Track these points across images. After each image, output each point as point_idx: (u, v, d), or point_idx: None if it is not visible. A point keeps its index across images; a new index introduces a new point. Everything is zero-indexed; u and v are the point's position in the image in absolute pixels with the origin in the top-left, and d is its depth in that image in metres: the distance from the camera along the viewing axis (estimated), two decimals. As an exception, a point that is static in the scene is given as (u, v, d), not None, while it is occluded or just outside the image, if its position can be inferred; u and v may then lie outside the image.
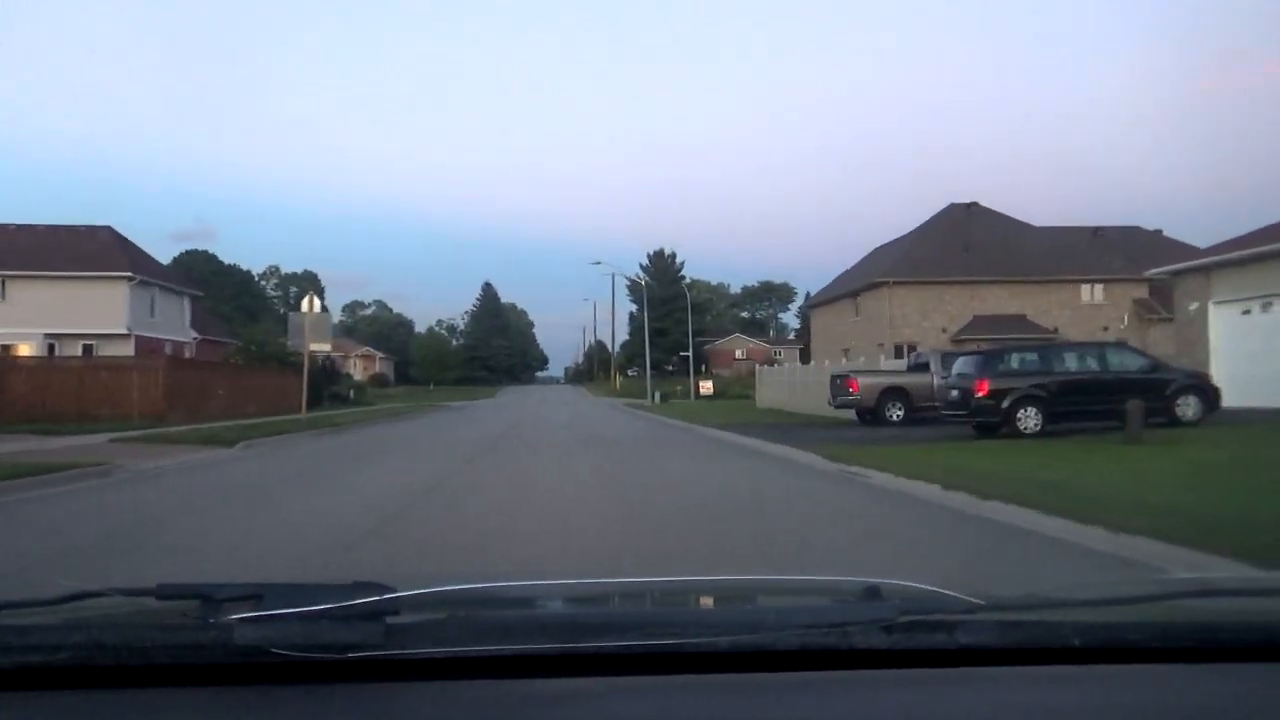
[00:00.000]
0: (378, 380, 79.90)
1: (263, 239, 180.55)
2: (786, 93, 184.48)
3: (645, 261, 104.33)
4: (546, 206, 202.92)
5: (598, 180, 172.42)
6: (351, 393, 63.02)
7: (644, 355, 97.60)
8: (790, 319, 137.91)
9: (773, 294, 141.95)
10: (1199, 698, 1.12)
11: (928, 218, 44.57)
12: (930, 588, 1.39)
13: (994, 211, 43.76)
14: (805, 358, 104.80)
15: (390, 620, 1.05)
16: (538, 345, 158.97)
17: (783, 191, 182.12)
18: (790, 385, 32.64)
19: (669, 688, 1.09)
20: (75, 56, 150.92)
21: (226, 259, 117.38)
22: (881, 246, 48.21)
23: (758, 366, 43.38)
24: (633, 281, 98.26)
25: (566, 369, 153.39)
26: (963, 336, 37.88)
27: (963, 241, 40.55)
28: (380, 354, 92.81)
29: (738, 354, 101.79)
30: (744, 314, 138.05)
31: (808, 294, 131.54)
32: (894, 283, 38.79)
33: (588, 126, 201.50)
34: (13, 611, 1.19)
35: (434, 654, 1.06)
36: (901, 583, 1.42)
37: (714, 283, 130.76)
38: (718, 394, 58.84)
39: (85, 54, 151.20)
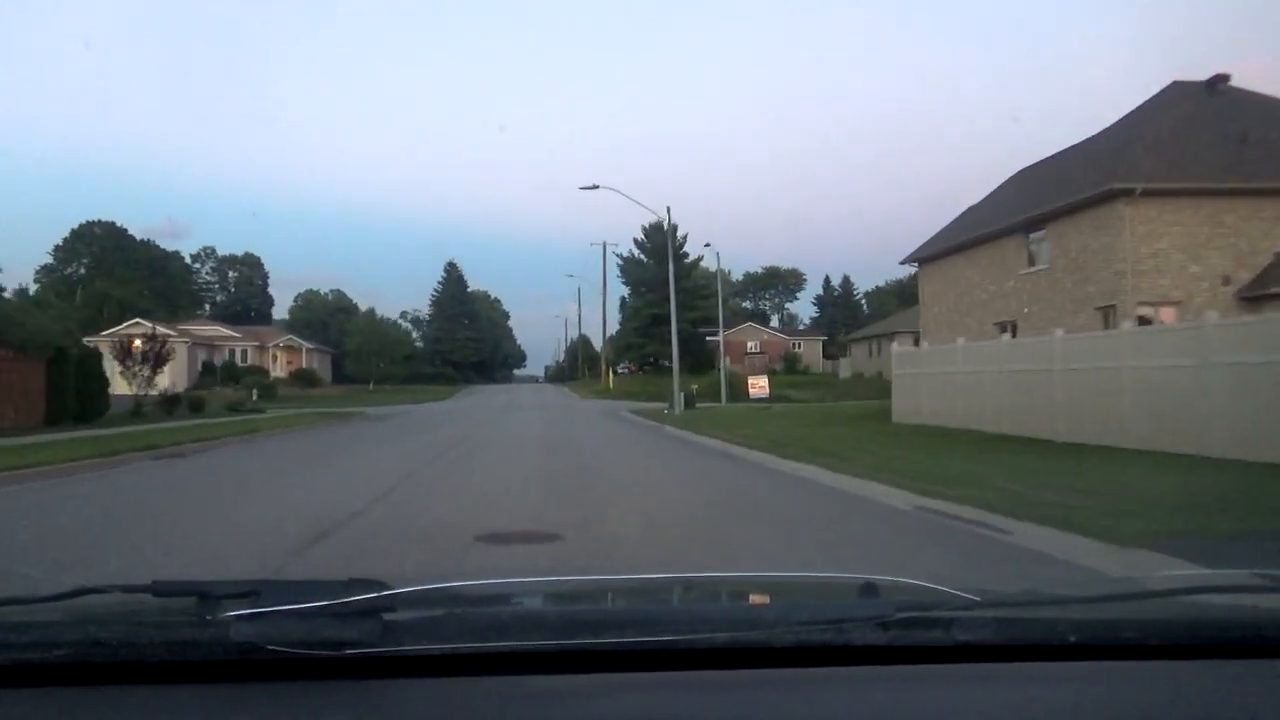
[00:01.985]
0: (303, 378, 61.78)
1: (234, 234, 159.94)
2: (788, 60, 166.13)
3: (640, 236, 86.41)
4: (529, 202, 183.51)
5: (582, 165, 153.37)
6: (255, 395, 46.11)
7: (643, 346, 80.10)
8: (803, 308, 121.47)
9: (779, 281, 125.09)
10: (1195, 694, 1.11)
11: (1142, 102, 27.20)
12: (927, 584, 1.38)
13: (1253, 93, 26.53)
14: (834, 351, 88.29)
15: (387, 617, 1.03)
16: (514, 340, 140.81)
17: (787, 170, 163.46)
18: (1039, 382, 15.12)
19: (667, 684, 1.07)
20: (43, 45, 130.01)
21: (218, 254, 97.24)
22: (1033, 166, 30.86)
23: (894, 347, 25.82)
24: (625, 260, 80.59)
25: (547, 367, 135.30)
26: (1265, 292, 20.65)
27: (1236, 130, 23.22)
28: (309, 345, 72.08)
29: (750, 346, 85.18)
30: (745, 304, 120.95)
31: (826, 278, 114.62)
32: (1143, 192, 21.30)
33: (572, 110, 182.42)
34: (10, 608, 1.16)
35: (431, 651, 1.04)
36: (898, 579, 1.41)
37: (711, 268, 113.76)
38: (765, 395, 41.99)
39: (54, 42, 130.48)
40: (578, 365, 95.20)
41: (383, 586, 1.06)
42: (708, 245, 74.85)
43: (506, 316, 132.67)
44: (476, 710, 1.01)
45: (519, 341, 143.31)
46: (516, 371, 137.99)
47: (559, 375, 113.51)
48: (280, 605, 1.02)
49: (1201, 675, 1.16)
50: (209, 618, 1.06)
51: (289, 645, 0.99)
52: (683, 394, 33.61)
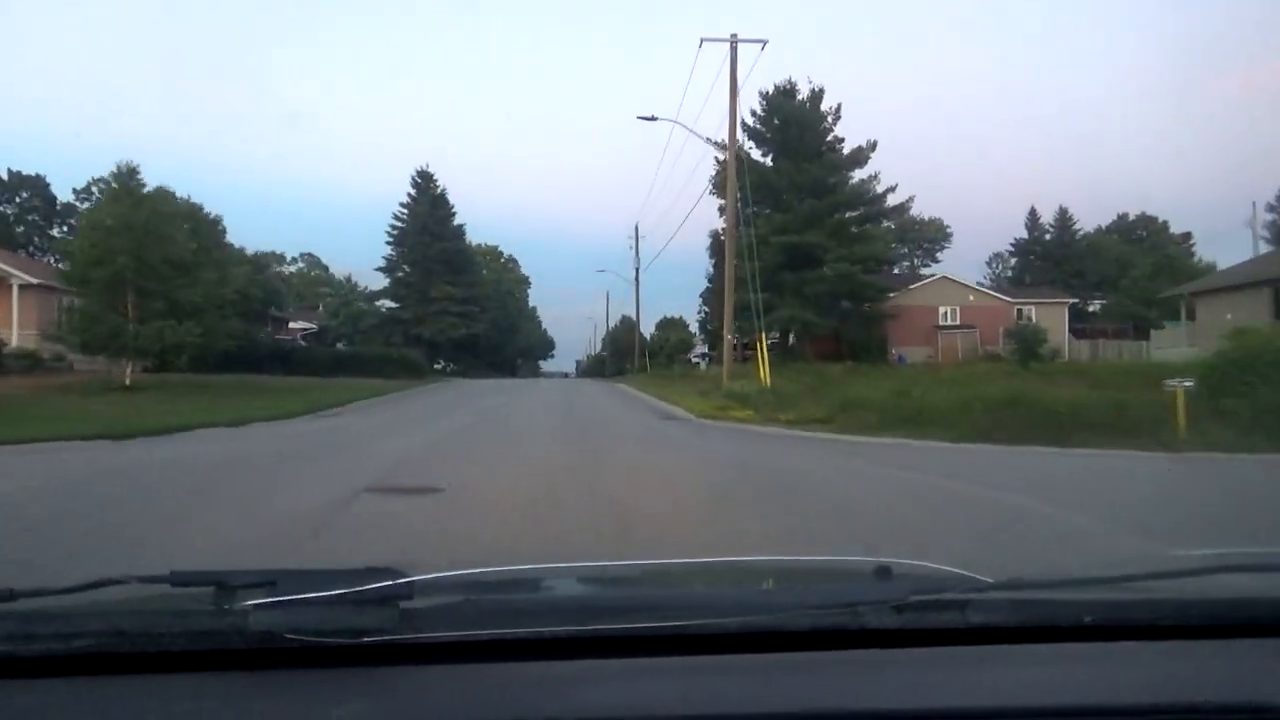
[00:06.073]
0: (30, 355, 23.50)
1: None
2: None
3: (757, 108, 45.84)
4: (556, 192, 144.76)
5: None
6: None
7: (773, 307, 40.76)
8: (948, 270, 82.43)
9: (915, 235, 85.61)
10: (1210, 674, 1.10)
11: None
12: (943, 567, 1.39)
13: None
14: (1082, 326, 49.22)
15: (404, 604, 1.04)
16: (537, 322, 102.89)
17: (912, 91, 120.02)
18: None
19: (682, 669, 1.08)
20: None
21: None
22: None
23: None
24: (723, 165, 41.17)
25: (578, 361, 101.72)
26: None
27: None
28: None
29: (943, 314, 48.93)
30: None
31: (1031, 210, 75.70)
32: None
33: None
34: (31, 599, 1.16)
35: (448, 638, 1.06)
36: (913, 562, 1.43)
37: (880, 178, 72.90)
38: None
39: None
40: (635, 352, 57.35)
41: (400, 574, 1.06)
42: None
43: (526, 284, 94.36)
44: (493, 696, 1.02)
45: (545, 329, 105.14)
46: (543, 364, 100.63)
47: (598, 368, 76.12)
48: (298, 594, 1.02)
49: (1217, 655, 1.15)
50: (227, 607, 1.06)
51: (307, 633, 0.99)
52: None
